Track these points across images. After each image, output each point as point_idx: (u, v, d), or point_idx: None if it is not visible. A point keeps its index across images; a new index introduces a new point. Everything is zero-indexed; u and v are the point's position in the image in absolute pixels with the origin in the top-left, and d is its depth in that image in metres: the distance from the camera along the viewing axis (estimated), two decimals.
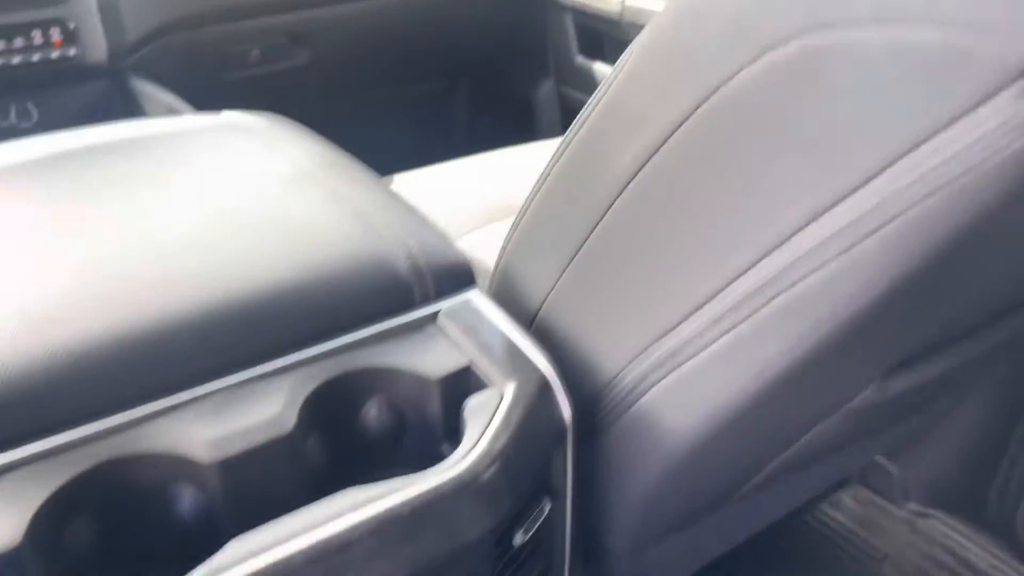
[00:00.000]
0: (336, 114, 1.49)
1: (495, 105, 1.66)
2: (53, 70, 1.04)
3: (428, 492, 0.39)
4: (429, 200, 0.98)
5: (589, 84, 1.45)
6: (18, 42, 1.00)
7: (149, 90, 1.10)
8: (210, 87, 1.29)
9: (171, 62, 1.18)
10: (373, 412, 0.47)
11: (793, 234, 0.39)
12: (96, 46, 1.06)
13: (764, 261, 0.40)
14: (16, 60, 1.00)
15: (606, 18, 1.32)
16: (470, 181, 1.02)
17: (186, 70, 1.22)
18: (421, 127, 1.65)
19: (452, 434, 0.46)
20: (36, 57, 1.01)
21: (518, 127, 1.63)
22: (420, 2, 1.38)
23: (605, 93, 0.48)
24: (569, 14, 1.42)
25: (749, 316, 0.41)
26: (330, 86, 1.42)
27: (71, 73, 1.06)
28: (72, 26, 1.03)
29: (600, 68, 1.42)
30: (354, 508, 0.38)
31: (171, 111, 1.07)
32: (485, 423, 0.43)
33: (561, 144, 0.53)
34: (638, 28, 1.25)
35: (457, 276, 0.52)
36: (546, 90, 1.57)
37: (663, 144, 0.44)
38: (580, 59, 1.46)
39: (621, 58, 0.49)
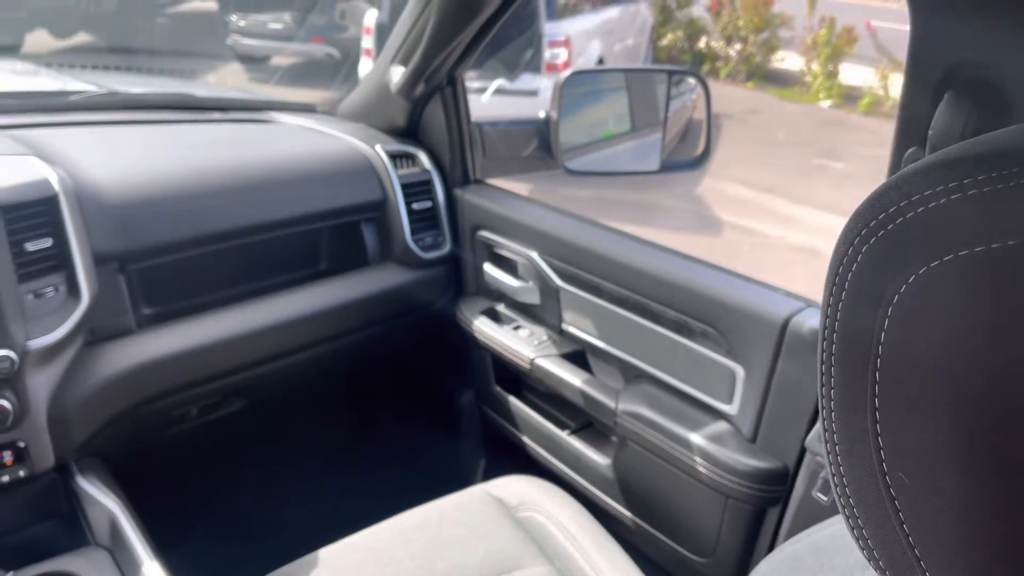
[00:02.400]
0: (273, 442, 1.60)
1: (420, 406, 1.79)
2: (2, 486, 1.12)
3: None
4: None
5: (506, 411, 1.59)
6: None
7: (92, 492, 1.19)
8: (152, 445, 1.38)
9: (115, 439, 1.27)
10: None
11: None
12: (44, 459, 1.14)
13: None
14: None
15: (519, 368, 1.47)
16: (390, 556, 1.13)
17: (129, 439, 1.31)
18: (355, 437, 1.77)
19: None
20: None
21: (441, 428, 1.76)
22: (348, 345, 1.50)
23: None
24: (488, 353, 1.57)
25: None
26: (265, 423, 1.53)
27: (17, 484, 1.14)
28: (22, 445, 1.12)
29: (515, 402, 1.56)
30: None
31: (110, 515, 1.15)
32: None
33: None
34: (545, 384, 1.39)
35: None
36: (468, 398, 1.71)
37: None
38: (498, 389, 1.60)
39: None
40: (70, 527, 1.18)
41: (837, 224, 0.57)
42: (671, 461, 1.24)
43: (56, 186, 1.12)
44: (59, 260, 1.13)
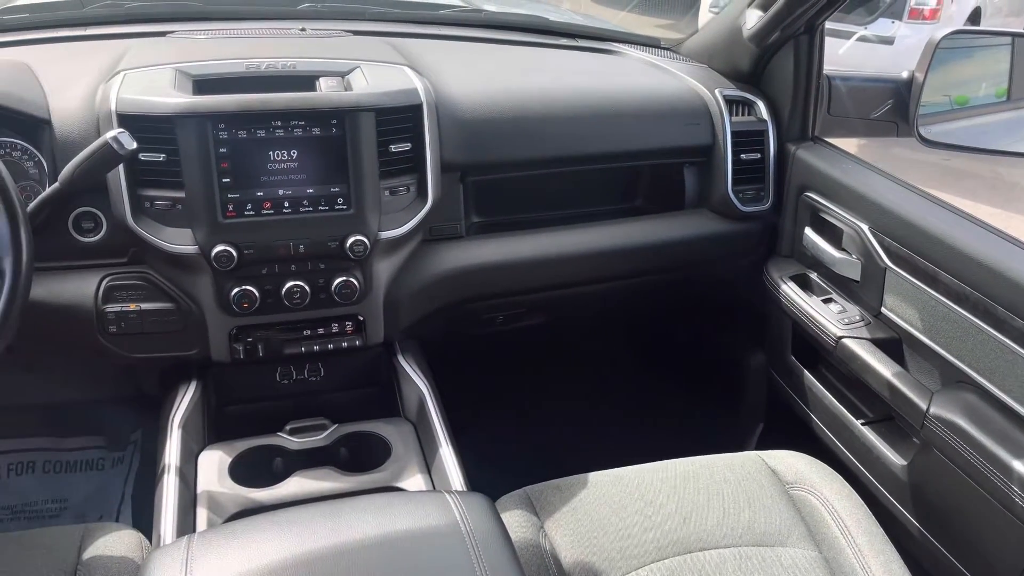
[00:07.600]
0: (562, 359, 1.69)
1: (706, 358, 1.78)
2: (341, 350, 1.31)
3: None
4: (611, 517, 1.12)
5: (796, 384, 1.52)
6: (321, 330, 1.28)
7: (408, 370, 1.34)
8: (461, 340, 1.52)
9: (432, 329, 1.42)
10: None
11: None
12: (376, 334, 1.31)
13: None
14: (316, 347, 1.28)
15: (822, 343, 1.39)
16: (655, 497, 1.15)
17: (443, 331, 1.46)
18: (633, 374, 1.81)
19: None
20: (331, 345, 1.28)
21: (723, 385, 1.73)
22: (650, 283, 1.52)
23: None
24: (789, 321, 1.50)
25: None
26: (559, 342, 1.61)
27: (353, 351, 1.32)
28: (361, 319, 1.29)
29: (809, 377, 1.49)
30: None
31: (420, 394, 1.30)
32: None
33: None
34: (848, 366, 1.31)
35: None
36: (758, 361, 1.66)
37: None
38: (792, 360, 1.53)
39: None
40: (386, 397, 1.36)
41: None
42: (981, 482, 1.11)
43: (422, 96, 1.24)
44: (414, 163, 1.26)
